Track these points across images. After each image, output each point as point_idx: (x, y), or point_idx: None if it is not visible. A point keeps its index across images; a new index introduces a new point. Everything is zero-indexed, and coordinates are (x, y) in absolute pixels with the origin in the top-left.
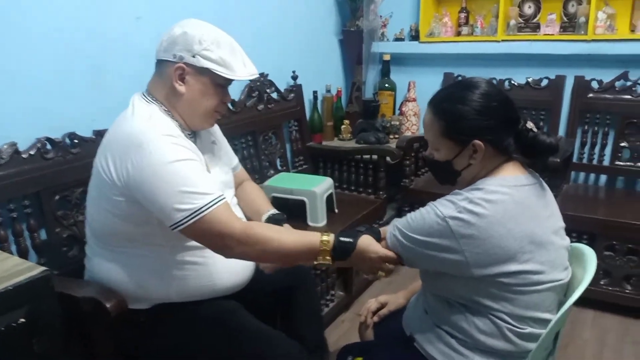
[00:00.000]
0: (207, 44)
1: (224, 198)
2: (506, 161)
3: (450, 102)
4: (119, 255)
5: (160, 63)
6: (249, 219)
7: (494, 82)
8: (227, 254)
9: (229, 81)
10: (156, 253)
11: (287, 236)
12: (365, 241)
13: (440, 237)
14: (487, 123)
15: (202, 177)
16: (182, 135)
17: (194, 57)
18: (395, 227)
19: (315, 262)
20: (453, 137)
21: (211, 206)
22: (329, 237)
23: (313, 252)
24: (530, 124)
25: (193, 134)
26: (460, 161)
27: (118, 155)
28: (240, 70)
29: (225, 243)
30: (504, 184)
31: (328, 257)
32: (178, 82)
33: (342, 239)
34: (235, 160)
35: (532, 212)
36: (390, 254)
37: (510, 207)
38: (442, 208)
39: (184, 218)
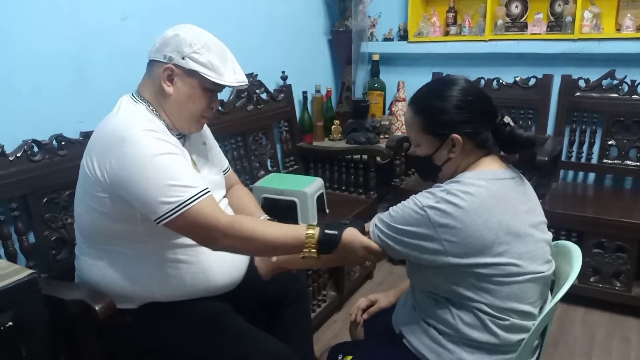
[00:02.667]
0: (198, 47)
1: (209, 191)
2: (485, 155)
3: (429, 99)
4: (105, 253)
5: (151, 63)
6: None
7: (482, 81)
8: (214, 247)
9: (218, 86)
10: (139, 251)
11: (273, 229)
12: (350, 233)
13: (419, 226)
14: (464, 117)
15: (186, 170)
16: (169, 134)
17: (183, 59)
18: (379, 219)
19: (301, 256)
20: (432, 131)
21: (197, 199)
22: (315, 231)
23: (299, 245)
24: (507, 119)
25: (182, 135)
26: (440, 155)
27: (101, 152)
28: (229, 76)
29: (211, 235)
30: (481, 177)
31: (314, 250)
32: (166, 82)
33: (327, 231)
34: (225, 163)
35: (508, 205)
36: (374, 245)
37: (486, 199)
38: (422, 198)
39: (169, 211)
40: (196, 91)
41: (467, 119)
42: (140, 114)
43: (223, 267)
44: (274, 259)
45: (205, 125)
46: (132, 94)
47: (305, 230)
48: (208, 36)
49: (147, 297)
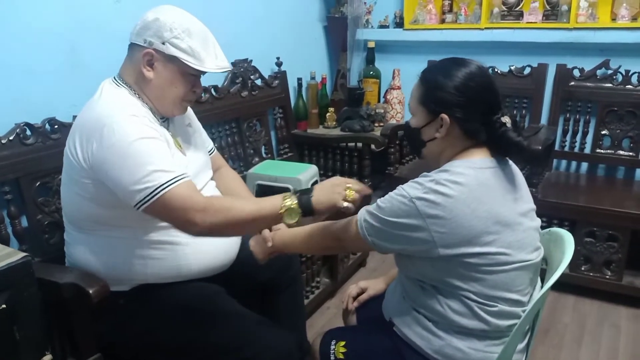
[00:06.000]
0: (178, 32)
1: (187, 177)
2: (474, 146)
3: (435, 73)
4: (94, 238)
5: (131, 47)
6: None
7: None
8: (194, 229)
9: (199, 71)
10: (129, 234)
11: (249, 200)
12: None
13: (407, 217)
14: (459, 100)
15: (164, 155)
16: (152, 119)
17: (163, 44)
18: (366, 212)
19: (281, 211)
20: (426, 105)
21: (173, 183)
22: (290, 196)
23: (277, 204)
24: (505, 119)
25: (166, 118)
26: (427, 131)
27: (84, 138)
28: (210, 62)
29: (188, 217)
30: (470, 165)
31: (294, 204)
32: (146, 67)
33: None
34: (210, 143)
35: (497, 194)
36: (358, 184)
37: (474, 188)
38: (409, 189)
39: (146, 196)
40: (177, 76)
41: (462, 103)
42: (123, 98)
43: (214, 248)
44: (269, 243)
45: (189, 107)
46: (114, 78)
47: (281, 197)
48: (190, 20)
49: (139, 279)
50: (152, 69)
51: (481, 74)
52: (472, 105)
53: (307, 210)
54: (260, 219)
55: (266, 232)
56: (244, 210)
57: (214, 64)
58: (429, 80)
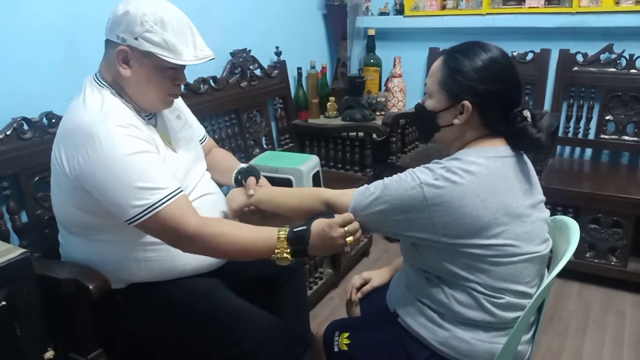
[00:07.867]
0: (150, 25)
1: (181, 191)
2: (489, 135)
3: (460, 54)
4: (87, 241)
5: (107, 43)
6: (219, 183)
7: None
8: (183, 249)
9: (177, 65)
10: (122, 238)
11: (243, 231)
12: (319, 222)
13: (412, 201)
14: (482, 88)
15: (157, 170)
16: (138, 122)
17: (136, 39)
18: (365, 188)
19: (272, 256)
20: (448, 89)
21: (166, 201)
22: (286, 232)
23: (270, 246)
24: (526, 112)
25: (152, 115)
26: (445, 117)
27: (70, 148)
28: (188, 53)
29: (179, 239)
30: (482, 154)
31: (287, 252)
32: (122, 65)
33: (296, 229)
34: (202, 132)
35: (508, 184)
36: (346, 216)
37: (485, 178)
38: (419, 174)
39: (139, 214)
40: (154, 72)
41: (485, 92)
42: (106, 102)
43: None
44: (251, 191)
45: (179, 97)
46: (96, 76)
47: (277, 232)
48: (163, 8)
49: (132, 279)
50: (129, 67)
51: (505, 63)
52: (496, 96)
53: (300, 256)
54: (251, 251)
55: (252, 180)
56: (235, 241)
57: (192, 55)
58: (453, 62)
